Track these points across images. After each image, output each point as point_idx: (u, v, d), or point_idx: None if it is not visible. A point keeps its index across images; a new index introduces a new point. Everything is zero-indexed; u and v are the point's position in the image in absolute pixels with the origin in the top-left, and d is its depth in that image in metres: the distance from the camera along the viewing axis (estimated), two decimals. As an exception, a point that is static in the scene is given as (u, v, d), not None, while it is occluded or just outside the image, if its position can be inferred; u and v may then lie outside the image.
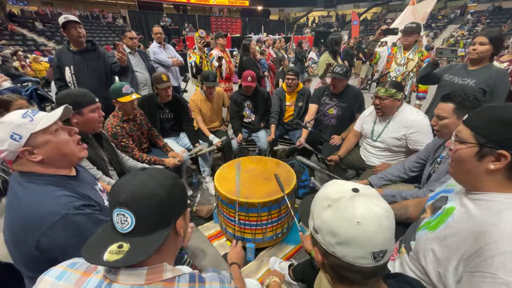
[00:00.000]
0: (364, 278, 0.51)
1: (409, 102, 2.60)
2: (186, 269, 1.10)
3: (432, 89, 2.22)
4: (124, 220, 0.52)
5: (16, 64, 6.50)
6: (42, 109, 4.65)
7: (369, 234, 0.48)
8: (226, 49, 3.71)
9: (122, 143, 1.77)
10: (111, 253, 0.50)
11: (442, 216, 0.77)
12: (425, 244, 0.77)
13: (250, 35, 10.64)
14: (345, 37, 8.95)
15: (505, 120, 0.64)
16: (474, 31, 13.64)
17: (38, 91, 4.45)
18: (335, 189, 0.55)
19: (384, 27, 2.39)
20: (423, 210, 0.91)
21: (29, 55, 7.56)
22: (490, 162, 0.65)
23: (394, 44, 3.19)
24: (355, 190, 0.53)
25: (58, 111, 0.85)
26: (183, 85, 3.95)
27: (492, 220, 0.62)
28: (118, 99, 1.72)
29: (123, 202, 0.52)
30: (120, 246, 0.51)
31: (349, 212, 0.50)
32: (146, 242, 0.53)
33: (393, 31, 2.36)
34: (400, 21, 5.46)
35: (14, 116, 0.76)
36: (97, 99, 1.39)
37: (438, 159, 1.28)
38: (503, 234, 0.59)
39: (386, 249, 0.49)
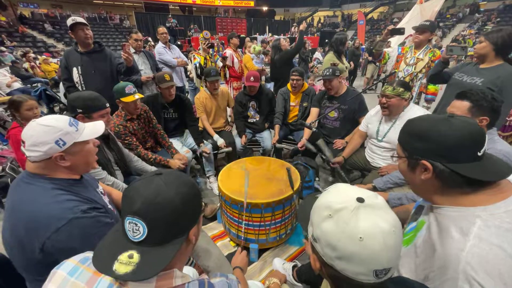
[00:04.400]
0: None
1: (417, 103, 2.53)
2: (190, 270, 1.10)
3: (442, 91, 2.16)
4: (136, 229, 0.50)
5: (26, 65, 6.66)
6: (51, 109, 4.74)
7: (372, 252, 0.44)
8: (237, 49, 3.80)
9: (126, 141, 1.78)
10: (120, 263, 0.49)
11: (415, 231, 0.74)
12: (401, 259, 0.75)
13: (255, 35, 10.65)
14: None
15: (413, 132, 0.68)
16: (484, 30, 13.34)
17: (47, 92, 4.55)
18: (338, 197, 0.51)
19: (391, 27, 2.34)
20: (408, 218, 0.87)
21: (38, 57, 7.73)
22: (421, 173, 0.67)
23: (403, 43, 3.12)
24: (360, 200, 0.49)
25: (101, 128, 0.91)
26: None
27: (441, 239, 0.60)
28: (121, 99, 1.74)
29: (136, 211, 0.50)
30: (130, 256, 0.50)
31: (352, 226, 0.46)
32: (157, 254, 0.51)
33: (400, 31, 2.31)
34: (407, 21, 5.36)
35: (62, 123, 0.80)
36: (107, 104, 1.41)
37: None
38: (448, 258, 0.56)
39: (390, 267, 0.46)
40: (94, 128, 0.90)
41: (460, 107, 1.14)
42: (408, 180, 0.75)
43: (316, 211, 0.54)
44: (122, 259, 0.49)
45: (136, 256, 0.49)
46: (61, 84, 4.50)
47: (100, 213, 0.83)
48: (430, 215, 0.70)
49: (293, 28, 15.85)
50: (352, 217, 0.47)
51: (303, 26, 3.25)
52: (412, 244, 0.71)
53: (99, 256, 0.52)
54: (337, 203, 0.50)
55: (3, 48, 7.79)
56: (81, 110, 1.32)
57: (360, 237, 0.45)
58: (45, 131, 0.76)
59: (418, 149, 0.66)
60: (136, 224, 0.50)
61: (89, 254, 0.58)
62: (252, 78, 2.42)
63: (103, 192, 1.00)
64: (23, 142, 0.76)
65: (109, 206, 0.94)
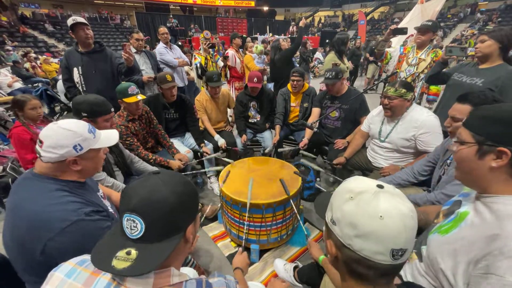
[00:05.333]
0: (377, 275, 0.50)
1: (419, 104, 2.53)
2: (190, 271, 1.10)
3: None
4: (134, 226, 0.51)
5: (27, 65, 6.67)
6: (52, 109, 4.75)
7: (392, 230, 0.47)
8: (239, 49, 3.83)
9: (127, 142, 1.78)
10: (119, 260, 0.49)
11: (456, 221, 0.76)
12: (436, 248, 0.76)
13: (256, 35, 10.64)
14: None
15: (496, 117, 0.66)
16: (485, 30, 13.29)
17: (48, 92, 4.55)
18: (359, 183, 0.55)
19: (393, 26, 2.33)
20: (437, 215, 0.89)
21: (39, 57, 7.73)
22: (492, 160, 0.65)
23: (405, 43, 3.10)
24: (380, 186, 0.53)
25: (116, 137, 0.96)
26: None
27: (502, 224, 0.62)
28: (123, 99, 1.74)
29: (133, 208, 0.51)
30: (129, 253, 0.50)
31: (373, 206, 0.49)
32: (155, 250, 0.52)
33: (402, 31, 2.30)
34: (408, 21, 5.35)
35: (83, 129, 0.83)
36: (112, 109, 1.42)
37: (448, 161, 1.25)
38: (511, 237, 0.58)
39: (406, 248, 0.48)
40: (109, 136, 0.93)
41: (461, 110, 1.13)
42: (465, 168, 0.72)
43: (337, 196, 0.57)
44: (120, 256, 0.50)
45: (134, 253, 0.50)
46: (59, 83, 4.51)
47: (102, 216, 0.82)
48: (478, 204, 0.71)
49: (291, 27, 15.67)
50: (373, 199, 0.50)
51: (302, 22, 3.24)
52: (452, 233, 0.74)
53: (98, 254, 0.53)
54: (358, 187, 0.53)
55: (9, 48, 7.84)
56: (86, 114, 1.33)
57: (381, 216, 0.48)
58: (66, 135, 0.78)
59: (498, 135, 0.64)
60: (134, 221, 0.51)
61: (87, 257, 0.58)
62: (255, 79, 2.41)
63: (103, 195, 1.00)
64: (41, 142, 0.77)
65: (110, 210, 0.94)
